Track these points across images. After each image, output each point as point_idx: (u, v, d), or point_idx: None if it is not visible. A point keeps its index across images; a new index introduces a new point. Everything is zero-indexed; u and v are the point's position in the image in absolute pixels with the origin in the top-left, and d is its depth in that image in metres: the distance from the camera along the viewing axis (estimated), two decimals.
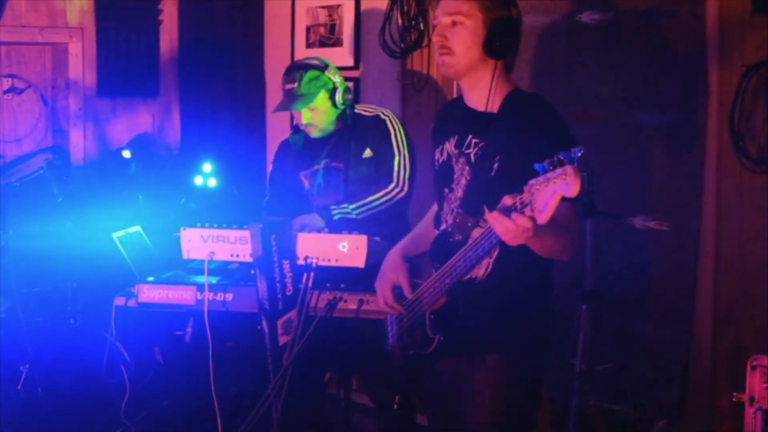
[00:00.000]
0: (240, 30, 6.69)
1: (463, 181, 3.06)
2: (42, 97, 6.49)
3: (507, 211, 2.51)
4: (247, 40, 6.66)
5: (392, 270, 3.25)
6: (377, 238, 3.83)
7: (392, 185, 4.39)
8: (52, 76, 6.60)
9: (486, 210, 2.63)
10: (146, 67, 6.58)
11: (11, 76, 6.38)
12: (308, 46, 6.19)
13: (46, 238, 5.32)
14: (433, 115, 5.24)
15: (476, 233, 2.84)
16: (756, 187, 3.99)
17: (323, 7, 6.06)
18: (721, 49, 4.07)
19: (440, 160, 3.19)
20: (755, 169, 3.93)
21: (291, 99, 4.46)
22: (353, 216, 4.31)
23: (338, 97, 4.48)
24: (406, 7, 5.37)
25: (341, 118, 4.53)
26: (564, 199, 2.65)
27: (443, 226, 3.12)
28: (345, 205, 4.34)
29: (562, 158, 2.35)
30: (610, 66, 4.47)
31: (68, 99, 6.35)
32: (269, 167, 4.97)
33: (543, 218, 2.41)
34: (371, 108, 4.64)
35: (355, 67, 5.85)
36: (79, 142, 6.38)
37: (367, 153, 4.45)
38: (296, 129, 4.72)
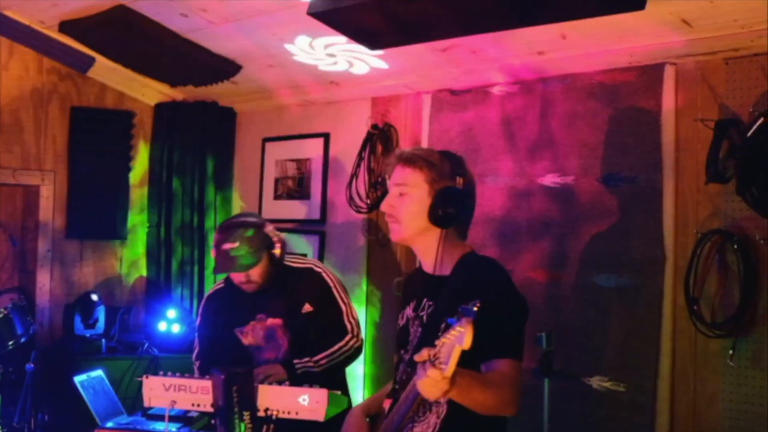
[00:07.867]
0: (209, 182, 6.76)
1: (415, 342, 3.13)
2: (11, 238, 6.54)
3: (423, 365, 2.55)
4: (215, 192, 6.72)
5: (353, 427, 3.34)
6: (338, 392, 3.85)
7: (348, 336, 4.41)
8: (22, 217, 6.67)
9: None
10: (115, 210, 6.67)
11: None
12: (276, 197, 6.31)
13: (7, 377, 5.28)
14: (396, 269, 5.34)
15: None
16: (710, 351, 4.06)
17: (292, 161, 6.21)
18: (677, 216, 4.20)
19: (400, 325, 3.29)
20: (709, 333, 4.01)
21: (231, 260, 4.33)
22: (315, 369, 4.30)
23: (277, 251, 4.44)
24: (372, 165, 5.53)
25: (273, 271, 4.48)
26: (502, 355, 2.76)
27: (397, 386, 3.18)
28: (306, 359, 4.30)
29: (461, 311, 2.42)
30: (570, 228, 4.58)
31: (37, 240, 6.41)
32: (198, 319, 4.75)
33: (447, 370, 2.43)
34: (299, 259, 4.63)
35: (322, 220, 5.93)
36: (45, 283, 6.40)
37: (306, 308, 4.43)
38: (227, 282, 4.61)
